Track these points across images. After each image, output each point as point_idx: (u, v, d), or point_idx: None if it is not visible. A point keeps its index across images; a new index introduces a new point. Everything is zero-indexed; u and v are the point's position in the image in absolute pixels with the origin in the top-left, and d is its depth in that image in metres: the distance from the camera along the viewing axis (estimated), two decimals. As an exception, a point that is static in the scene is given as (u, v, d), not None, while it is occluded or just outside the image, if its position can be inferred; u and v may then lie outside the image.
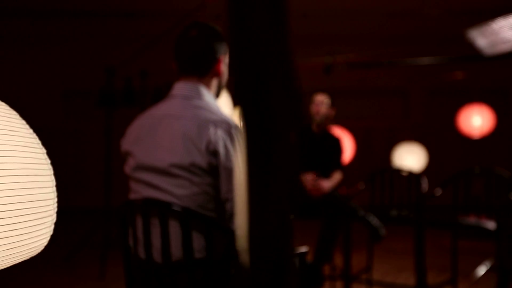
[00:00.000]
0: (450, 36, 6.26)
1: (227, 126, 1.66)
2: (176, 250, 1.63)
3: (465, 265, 4.03)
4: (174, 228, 1.62)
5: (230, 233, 1.64)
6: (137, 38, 6.19)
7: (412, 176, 3.73)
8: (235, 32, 0.36)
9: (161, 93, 5.76)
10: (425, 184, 3.51)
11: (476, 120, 5.38)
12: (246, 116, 0.36)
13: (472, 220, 3.40)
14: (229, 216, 1.68)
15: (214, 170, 1.65)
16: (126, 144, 1.79)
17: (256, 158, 0.34)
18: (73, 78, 7.36)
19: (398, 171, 3.92)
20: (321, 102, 3.93)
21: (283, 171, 0.34)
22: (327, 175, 3.84)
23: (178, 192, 1.64)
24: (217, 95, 1.85)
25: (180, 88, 1.76)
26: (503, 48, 4.33)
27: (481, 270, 3.93)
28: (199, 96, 1.74)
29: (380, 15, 6.15)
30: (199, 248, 1.62)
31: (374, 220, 3.58)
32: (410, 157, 5.27)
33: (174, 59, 1.82)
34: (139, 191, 1.72)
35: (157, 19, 6.17)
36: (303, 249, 1.90)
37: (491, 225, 3.23)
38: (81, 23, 6.57)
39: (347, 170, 4.12)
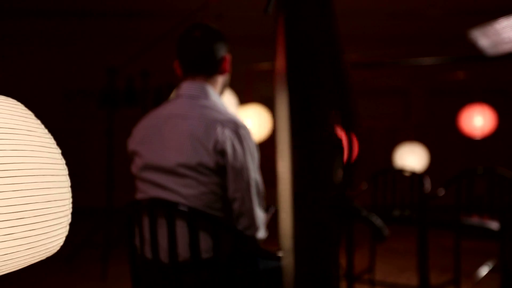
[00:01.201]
0: (452, 36, 6.25)
1: (234, 126, 1.66)
2: (183, 250, 1.63)
3: (468, 266, 4.03)
4: (181, 228, 1.62)
5: (238, 233, 1.64)
6: (138, 38, 6.19)
7: (414, 176, 3.73)
8: (288, 28, 0.35)
9: (162, 93, 5.75)
10: (427, 184, 3.51)
11: (478, 120, 5.38)
12: (293, 108, 0.36)
13: (475, 220, 3.40)
14: (237, 216, 1.68)
15: (222, 169, 1.65)
16: (133, 144, 1.80)
17: (301, 158, 0.34)
18: (74, 78, 7.36)
19: (400, 171, 3.92)
20: None
21: (328, 168, 0.34)
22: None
23: (185, 191, 1.65)
24: (221, 92, 1.87)
25: (187, 87, 1.76)
26: (505, 48, 4.34)
27: (484, 271, 3.93)
28: (205, 95, 1.74)
29: (382, 15, 6.16)
30: (206, 248, 1.62)
31: (377, 221, 3.58)
32: (411, 157, 5.27)
33: (178, 60, 1.82)
34: (146, 191, 1.72)
35: (158, 19, 6.17)
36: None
37: (494, 225, 3.23)
38: (83, 23, 6.57)
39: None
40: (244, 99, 4.10)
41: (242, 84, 4.37)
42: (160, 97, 5.71)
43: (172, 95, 2.86)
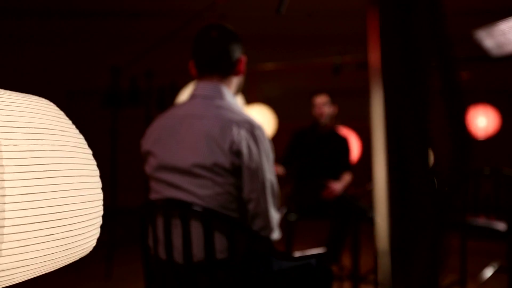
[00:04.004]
0: (456, 36, 6.24)
1: (250, 126, 1.66)
2: (198, 250, 1.62)
3: (473, 266, 4.03)
4: (196, 229, 1.62)
5: (253, 234, 1.64)
6: (142, 38, 6.18)
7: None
8: (384, 20, 0.35)
9: (166, 93, 5.75)
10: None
11: (481, 121, 5.39)
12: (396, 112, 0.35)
13: (481, 221, 3.39)
14: (252, 217, 1.68)
15: (237, 170, 1.64)
16: (147, 144, 1.79)
17: (397, 158, 0.33)
18: (77, 78, 7.35)
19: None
20: (323, 104, 3.93)
21: (426, 168, 0.33)
22: (336, 175, 3.84)
23: (200, 192, 1.64)
24: (235, 93, 1.86)
25: (202, 88, 1.76)
26: (510, 49, 4.34)
27: (490, 271, 3.93)
28: (220, 96, 1.74)
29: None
30: (221, 248, 1.62)
31: (384, 221, 3.58)
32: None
33: (193, 60, 1.82)
34: (160, 191, 1.71)
35: (163, 19, 6.17)
36: (320, 250, 1.90)
37: (501, 226, 3.23)
38: (86, 23, 6.56)
39: (353, 170, 4.12)
40: (247, 99, 4.10)
41: (246, 84, 4.37)
42: (164, 97, 5.71)
43: (185, 95, 2.85)
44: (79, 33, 7.05)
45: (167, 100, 5.57)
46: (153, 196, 1.74)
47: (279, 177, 3.72)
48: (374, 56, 0.35)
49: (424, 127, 0.33)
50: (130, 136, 6.00)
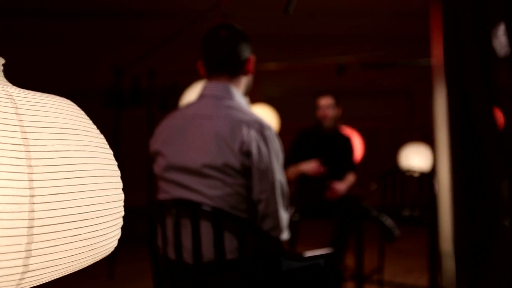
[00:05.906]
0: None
1: (260, 127, 1.65)
2: (207, 250, 1.62)
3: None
4: (206, 229, 1.61)
5: (263, 234, 1.64)
6: (144, 38, 6.18)
7: (423, 177, 3.72)
8: (448, 21, 0.34)
9: (168, 93, 5.75)
10: (437, 184, 3.50)
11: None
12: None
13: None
14: (261, 217, 1.67)
15: (247, 170, 1.64)
16: (156, 144, 1.78)
17: (462, 157, 0.33)
18: (80, 77, 7.35)
19: (409, 172, 3.92)
20: (327, 106, 3.90)
21: (491, 167, 0.33)
22: (339, 175, 3.83)
23: (210, 192, 1.64)
24: (244, 93, 1.86)
25: (211, 88, 1.75)
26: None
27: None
28: (230, 96, 1.73)
29: (386, 15, 6.16)
30: (230, 248, 1.62)
31: (388, 221, 3.58)
32: (416, 158, 5.25)
33: (201, 60, 1.82)
34: (169, 192, 1.71)
35: (165, 19, 6.17)
36: (329, 250, 1.89)
37: (505, 226, 3.23)
38: (89, 22, 6.56)
39: (356, 170, 4.12)
40: (250, 98, 4.10)
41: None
42: (166, 97, 5.71)
43: (189, 95, 2.85)
44: (81, 33, 7.05)
45: (170, 100, 5.56)
46: (162, 196, 1.74)
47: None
48: (437, 54, 0.35)
49: (493, 126, 0.33)
50: (132, 136, 6.00)
